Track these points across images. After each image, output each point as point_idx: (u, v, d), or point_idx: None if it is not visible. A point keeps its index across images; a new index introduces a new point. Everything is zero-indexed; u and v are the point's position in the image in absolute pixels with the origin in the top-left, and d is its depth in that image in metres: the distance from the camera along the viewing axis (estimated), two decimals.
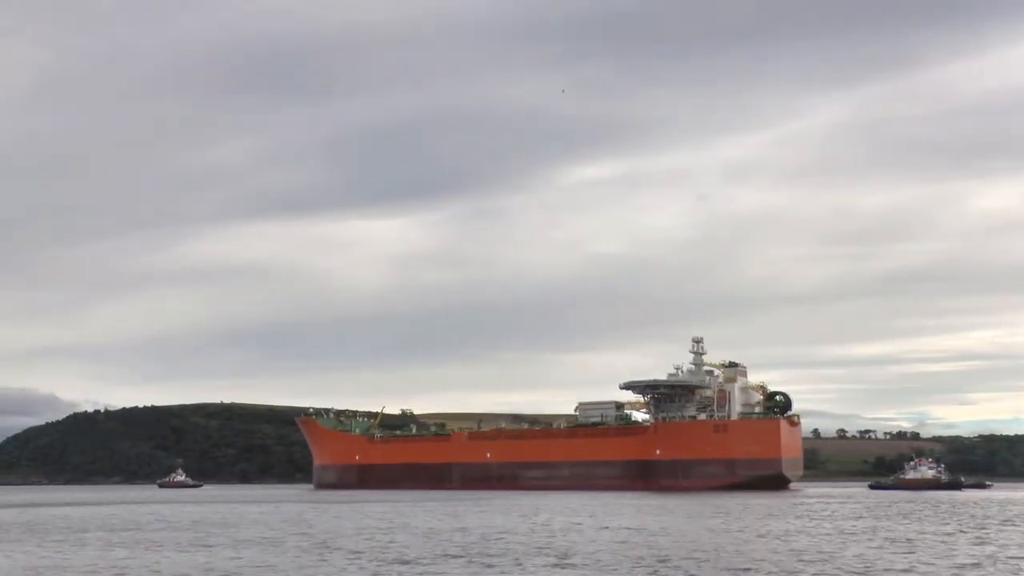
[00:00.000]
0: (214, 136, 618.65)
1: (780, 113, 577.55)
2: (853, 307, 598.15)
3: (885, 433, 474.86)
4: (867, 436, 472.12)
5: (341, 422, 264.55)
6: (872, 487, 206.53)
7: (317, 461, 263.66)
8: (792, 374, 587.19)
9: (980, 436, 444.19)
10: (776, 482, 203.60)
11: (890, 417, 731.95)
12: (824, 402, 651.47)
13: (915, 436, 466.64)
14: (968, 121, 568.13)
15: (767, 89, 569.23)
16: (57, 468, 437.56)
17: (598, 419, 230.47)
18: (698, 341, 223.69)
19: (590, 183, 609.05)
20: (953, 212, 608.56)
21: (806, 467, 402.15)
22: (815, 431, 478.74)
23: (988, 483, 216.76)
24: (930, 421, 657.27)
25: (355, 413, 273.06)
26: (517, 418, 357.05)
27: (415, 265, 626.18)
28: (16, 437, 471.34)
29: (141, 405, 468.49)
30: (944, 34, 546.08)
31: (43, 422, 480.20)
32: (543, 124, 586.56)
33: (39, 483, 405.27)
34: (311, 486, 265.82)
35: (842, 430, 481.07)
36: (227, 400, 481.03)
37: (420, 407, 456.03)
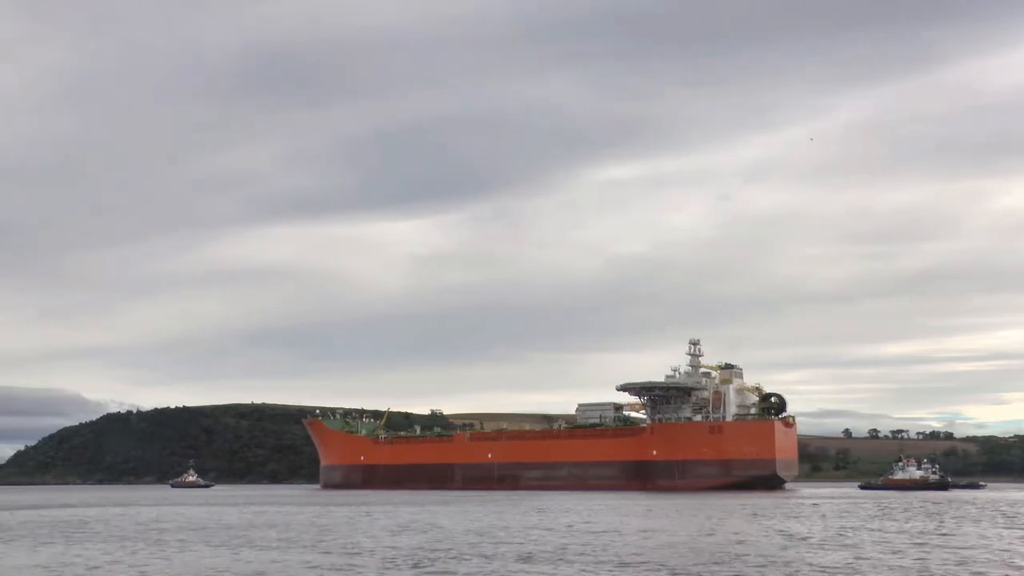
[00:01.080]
0: (236, 139, 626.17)
1: (800, 112, 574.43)
2: (879, 306, 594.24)
3: (918, 433, 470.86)
4: (899, 436, 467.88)
5: (347, 423, 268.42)
6: (862, 487, 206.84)
7: (324, 461, 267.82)
8: (819, 373, 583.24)
9: (1016, 436, 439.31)
10: (771, 483, 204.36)
11: (920, 417, 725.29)
12: (853, 402, 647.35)
13: (948, 436, 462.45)
14: (990, 118, 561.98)
15: (787, 88, 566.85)
16: (90, 468, 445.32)
17: (597, 420, 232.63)
18: (695, 343, 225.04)
19: (611, 184, 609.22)
20: (977, 210, 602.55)
21: (836, 467, 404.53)
22: (846, 431, 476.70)
23: (982, 484, 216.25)
24: (960, 421, 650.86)
25: (361, 413, 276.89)
26: (545, 418, 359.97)
27: (438, 266, 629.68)
28: (51, 437, 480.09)
29: (172, 406, 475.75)
30: (964, 31, 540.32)
31: (76, 422, 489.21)
32: (564, 125, 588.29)
33: (73, 483, 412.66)
34: (318, 486, 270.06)
35: (874, 430, 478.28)
36: (257, 401, 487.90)
37: (448, 407, 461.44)
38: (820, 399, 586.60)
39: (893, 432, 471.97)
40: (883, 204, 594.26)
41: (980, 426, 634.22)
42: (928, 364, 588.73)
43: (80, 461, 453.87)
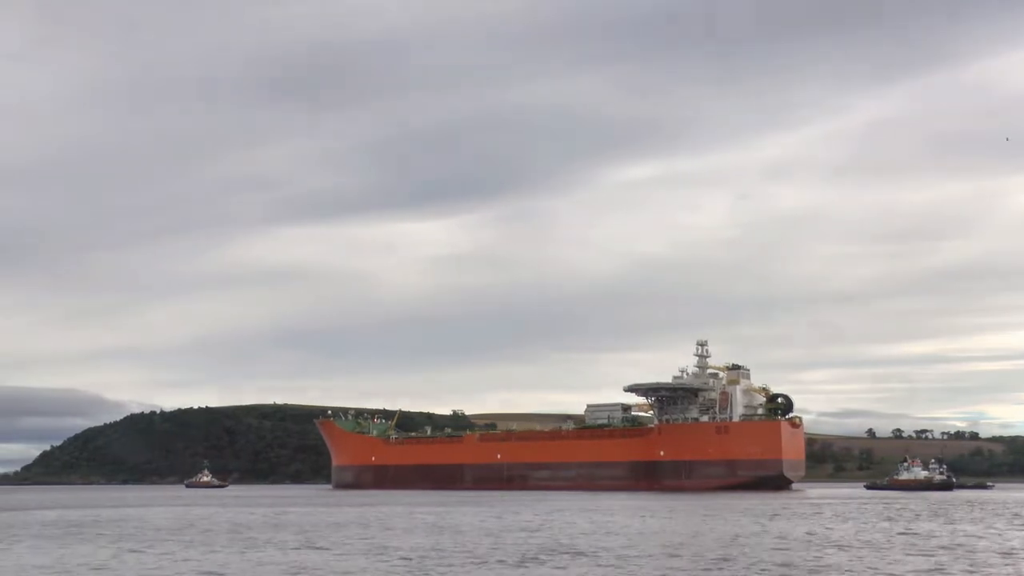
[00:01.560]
0: (258, 141, 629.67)
1: (820, 111, 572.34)
2: (901, 305, 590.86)
3: (943, 433, 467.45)
4: (923, 436, 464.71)
5: (359, 424, 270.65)
6: (867, 487, 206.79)
7: (335, 462, 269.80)
8: (842, 373, 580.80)
9: None
10: (777, 483, 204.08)
11: (944, 417, 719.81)
12: (876, 402, 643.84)
13: (974, 436, 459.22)
14: (1013, 115, 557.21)
15: (806, 87, 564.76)
16: (115, 468, 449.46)
17: (605, 421, 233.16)
18: (702, 344, 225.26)
19: (631, 184, 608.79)
20: (999, 208, 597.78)
21: (859, 467, 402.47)
22: (870, 431, 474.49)
23: (990, 484, 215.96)
24: (984, 421, 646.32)
25: (373, 414, 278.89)
26: (568, 418, 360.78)
27: (459, 267, 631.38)
28: (76, 437, 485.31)
29: (195, 407, 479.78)
30: (986, 28, 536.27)
31: (100, 423, 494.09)
32: (583, 125, 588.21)
33: (98, 483, 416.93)
34: (330, 486, 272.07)
35: (898, 430, 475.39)
36: (280, 401, 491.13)
37: (471, 408, 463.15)
38: (843, 399, 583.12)
39: (917, 432, 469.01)
40: (903, 203, 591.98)
41: (1005, 426, 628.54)
42: (952, 363, 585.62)
43: (104, 461, 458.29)
